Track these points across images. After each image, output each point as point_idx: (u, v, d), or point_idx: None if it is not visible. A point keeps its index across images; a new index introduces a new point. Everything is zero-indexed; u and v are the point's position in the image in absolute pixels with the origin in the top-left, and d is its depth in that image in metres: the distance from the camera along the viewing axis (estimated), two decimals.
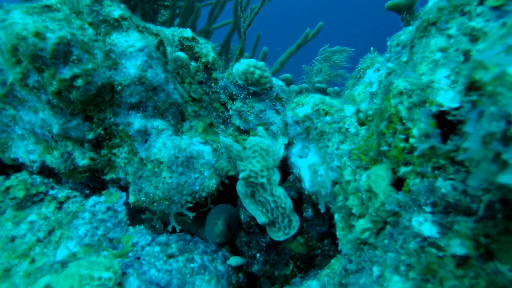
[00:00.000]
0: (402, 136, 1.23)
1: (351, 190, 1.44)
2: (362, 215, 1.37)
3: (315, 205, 2.07)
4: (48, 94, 1.63)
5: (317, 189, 1.74)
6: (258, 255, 2.04)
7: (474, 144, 0.70)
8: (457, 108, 1.09)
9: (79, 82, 1.66)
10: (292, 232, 1.85)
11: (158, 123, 1.99)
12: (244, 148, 1.84)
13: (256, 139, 1.75)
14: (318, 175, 1.76)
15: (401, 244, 1.14)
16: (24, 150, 2.11)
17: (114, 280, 1.35)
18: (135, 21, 2.01)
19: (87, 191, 2.20)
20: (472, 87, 0.77)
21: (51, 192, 2.08)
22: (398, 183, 1.26)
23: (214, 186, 1.92)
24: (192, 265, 1.80)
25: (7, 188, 1.99)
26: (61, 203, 2.04)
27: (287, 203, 1.78)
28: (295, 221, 1.83)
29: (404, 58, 1.66)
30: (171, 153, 1.92)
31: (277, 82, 3.12)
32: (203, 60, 2.78)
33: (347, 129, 1.72)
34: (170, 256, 1.79)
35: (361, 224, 1.29)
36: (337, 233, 1.58)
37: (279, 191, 1.77)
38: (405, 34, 1.92)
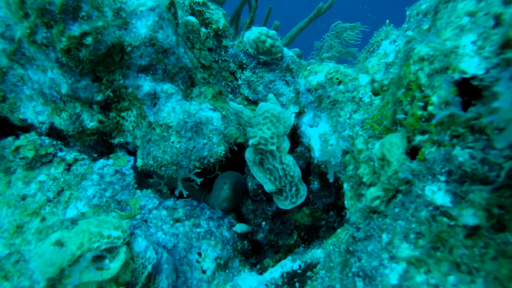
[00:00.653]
0: (421, 104, 1.19)
1: (363, 159, 1.41)
2: (373, 184, 1.36)
3: (322, 176, 2.06)
4: (57, 52, 1.60)
5: (327, 158, 1.72)
6: (263, 223, 2.05)
7: (505, 103, 0.66)
8: (482, 76, 1.04)
9: (89, 40, 1.62)
10: (299, 201, 1.84)
11: (168, 87, 1.96)
12: (255, 115, 1.81)
13: (267, 105, 1.72)
14: (329, 144, 1.73)
15: (412, 213, 1.13)
16: (32, 111, 2.10)
17: (123, 239, 1.37)
18: None
19: (95, 155, 2.20)
20: (507, 45, 0.72)
21: (59, 154, 2.08)
22: (412, 152, 1.23)
23: (223, 152, 1.91)
24: (198, 230, 1.81)
25: (17, 148, 2.00)
26: (69, 165, 2.05)
27: (296, 171, 1.76)
28: (303, 190, 1.82)
29: (426, 26, 1.59)
30: (180, 117, 1.89)
31: (288, 52, 3.03)
32: (214, 26, 2.70)
33: (360, 98, 1.68)
34: (177, 220, 1.80)
35: (372, 192, 1.27)
36: (346, 202, 1.58)
37: (289, 159, 1.75)
38: (426, 3, 1.83)
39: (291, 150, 2.07)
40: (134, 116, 1.96)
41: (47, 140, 2.08)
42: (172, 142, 1.86)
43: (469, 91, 1.10)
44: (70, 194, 1.84)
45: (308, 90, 1.84)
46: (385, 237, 1.16)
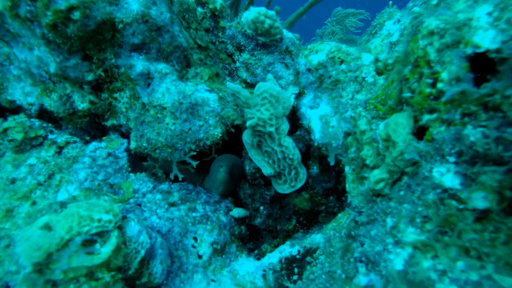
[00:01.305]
0: (429, 81, 1.12)
1: (366, 140, 1.35)
2: (377, 166, 1.29)
3: (322, 160, 2.00)
4: (43, 27, 1.50)
5: (328, 141, 1.66)
6: (261, 208, 2.00)
7: None
8: (498, 50, 0.97)
9: (77, 15, 1.52)
10: (299, 185, 1.79)
11: (162, 66, 1.88)
12: (253, 96, 1.74)
13: (266, 84, 1.64)
14: (330, 126, 1.66)
15: (418, 196, 1.07)
16: (21, 92, 2.01)
17: (114, 223, 1.31)
18: None
19: (88, 137, 2.13)
20: None
21: (50, 136, 2.00)
22: (419, 132, 1.17)
23: (219, 134, 1.84)
24: (194, 214, 1.76)
25: (5, 130, 1.92)
26: (60, 148, 1.98)
27: (295, 154, 1.70)
28: (302, 173, 1.76)
29: (434, 1, 1.50)
30: (175, 98, 1.82)
31: (287, 34, 2.93)
32: (211, 6, 2.59)
33: (363, 78, 1.60)
34: (172, 204, 1.75)
35: (376, 174, 1.21)
36: (347, 186, 1.52)
37: (288, 141, 1.68)
38: None
39: (290, 133, 2.01)
40: (127, 97, 1.88)
41: (37, 122, 2.00)
42: (167, 124, 1.79)
43: (482, 66, 1.03)
44: (61, 178, 1.77)
45: (309, 70, 1.76)
46: (389, 221, 1.10)
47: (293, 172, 1.75)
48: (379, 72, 1.60)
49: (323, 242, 1.61)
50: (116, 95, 1.89)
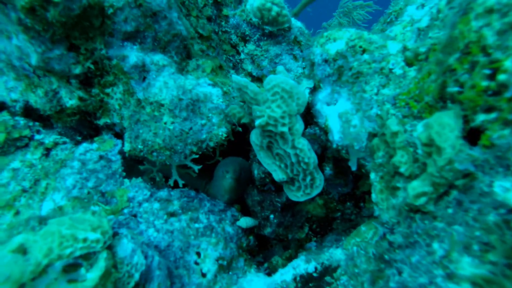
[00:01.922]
0: (486, 72, 0.90)
1: (400, 143, 1.13)
2: (413, 176, 1.08)
3: (337, 161, 1.79)
4: (18, 11, 1.29)
5: (349, 142, 1.44)
6: (271, 216, 1.80)
7: None
8: None
9: None
10: (315, 192, 1.58)
11: (159, 58, 1.66)
12: (262, 91, 1.52)
13: (277, 78, 1.42)
14: (351, 125, 1.45)
15: (474, 216, 0.85)
16: (4, 87, 1.81)
17: (103, 243, 1.11)
18: None
19: (79, 137, 1.93)
20: None
21: (37, 136, 1.81)
22: (471, 136, 0.95)
23: (224, 134, 1.63)
24: (196, 225, 1.56)
25: None
26: (48, 150, 1.78)
27: (312, 157, 1.49)
28: (319, 179, 1.55)
29: None
30: (173, 94, 1.60)
31: (296, 23, 2.70)
32: None
33: (391, 69, 1.38)
34: (172, 214, 1.55)
35: (415, 187, 1.00)
36: (373, 196, 1.31)
37: (303, 143, 1.47)
38: None
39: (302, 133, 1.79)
40: (121, 93, 1.68)
41: (21, 121, 1.80)
42: (165, 123, 1.58)
43: None
44: (47, 184, 1.57)
45: (325, 61, 1.54)
46: (437, 247, 0.89)
47: (308, 178, 1.54)
48: (408, 63, 1.37)
49: (344, 260, 1.40)
50: (108, 90, 1.68)
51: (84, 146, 1.69)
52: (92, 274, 1.08)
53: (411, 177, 1.09)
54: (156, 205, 1.54)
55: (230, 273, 1.54)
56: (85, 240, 1.08)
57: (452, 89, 0.99)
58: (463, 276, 0.81)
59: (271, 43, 2.71)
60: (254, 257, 1.78)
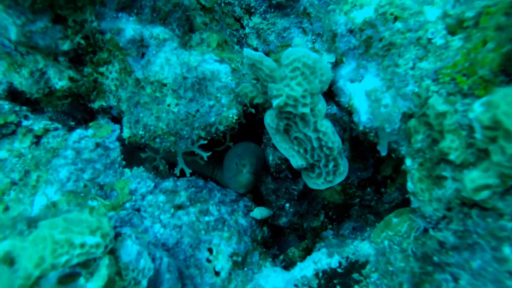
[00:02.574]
0: None
1: (449, 126, 0.96)
2: (466, 164, 0.92)
3: (356, 144, 1.63)
4: None
5: (380, 124, 1.27)
6: (287, 205, 1.65)
7: None
8: None
9: None
10: (338, 180, 1.42)
11: (159, 30, 1.46)
12: (279, 65, 1.33)
13: (297, 51, 1.24)
14: (382, 105, 1.27)
15: None
16: None
17: (104, 247, 0.95)
18: None
19: (72, 123, 1.74)
20: None
21: (24, 122, 1.62)
22: None
23: (235, 117, 1.45)
24: (207, 218, 1.40)
25: None
26: (38, 137, 1.60)
27: (336, 141, 1.32)
28: (343, 166, 1.39)
29: None
30: (177, 72, 1.41)
31: None
32: None
33: (429, 39, 1.19)
34: (179, 207, 1.39)
35: (475, 178, 0.84)
36: (410, 185, 1.15)
37: (326, 125, 1.30)
38: None
39: None
40: (117, 72, 1.48)
41: (6, 106, 1.61)
42: (168, 105, 1.40)
43: None
44: (38, 177, 1.41)
45: (351, 31, 1.35)
46: (507, 252, 0.74)
47: (331, 164, 1.37)
48: (451, 31, 1.18)
49: (374, 255, 1.26)
50: (102, 69, 1.49)
51: (78, 132, 1.52)
52: (92, 284, 0.92)
53: (463, 166, 0.93)
54: (162, 197, 1.38)
55: (245, 269, 1.40)
56: (82, 245, 0.93)
57: None
58: None
59: (279, 16, 2.49)
60: (269, 249, 1.64)
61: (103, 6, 1.38)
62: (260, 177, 1.61)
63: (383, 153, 1.33)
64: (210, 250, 1.34)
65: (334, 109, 1.54)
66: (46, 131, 1.61)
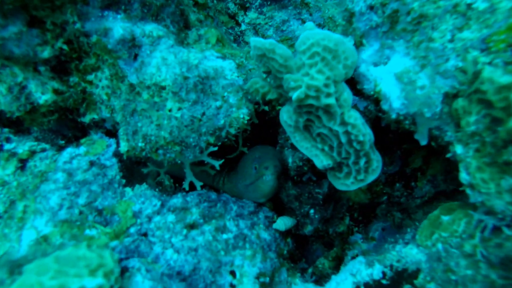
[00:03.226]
0: None
1: None
2: None
3: (378, 135, 1.45)
4: None
5: (417, 109, 1.10)
6: (312, 211, 1.46)
7: None
8: None
9: None
10: (371, 178, 1.24)
11: (152, 27, 1.28)
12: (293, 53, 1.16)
13: (316, 33, 1.06)
14: (417, 86, 1.10)
15: None
16: None
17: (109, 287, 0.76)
18: None
19: (62, 142, 1.55)
20: None
21: (7, 146, 1.43)
22: None
23: (246, 117, 1.27)
24: (225, 236, 1.21)
25: None
26: (23, 161, 1.40)
27: (367, 134, 1.14)
28: (376, 161, 1.21)
29: None
30: (176, 72, 1.23)
31: None
32: None
33: (469, 5, 1.03)
34: (192, 226, 1.20)
35: None
36: (464, 175, 0.97)
37: (355, 117, 1.12)
38: None
39: None
40: (107, 79, 1.30)
41: None
42: (170, 110, 1.22)
43: None
44: (25, 207, 1.21)
45: (371, 8, 1.18)
46: None
47: (362, 161, 1.19)
48: None
49: (426, 261, 1.08)
50: (90, 77, 1.31)
51: (69, 151, 1.33)
52: None
53: None
54: (171, 217, 1.19)
55: None
56: None
57: None
58: None
59: (276, 8, 2.34)
60: (296, 263, 1.46)
61: (85, 4, 1.20)
62: (279, 183, 1.43)
63: (423, 142, 1.15)
64: (232, 273, 1.15)
65: (356, 98, 1.36)
66: (32, 153, 1.41)
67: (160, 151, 1.24)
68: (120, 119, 1.29)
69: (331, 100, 1.10)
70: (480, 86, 0.90)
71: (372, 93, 1.25)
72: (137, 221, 1.15)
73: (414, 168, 1.61)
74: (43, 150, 1.44)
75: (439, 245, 1.05)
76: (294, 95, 1.10)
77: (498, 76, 0.85)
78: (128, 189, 1.25)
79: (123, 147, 1.24)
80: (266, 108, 1.32)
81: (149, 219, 1.17)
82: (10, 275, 0.75)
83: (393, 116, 1.17)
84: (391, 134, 1.43)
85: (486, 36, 0.96)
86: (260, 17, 2.37)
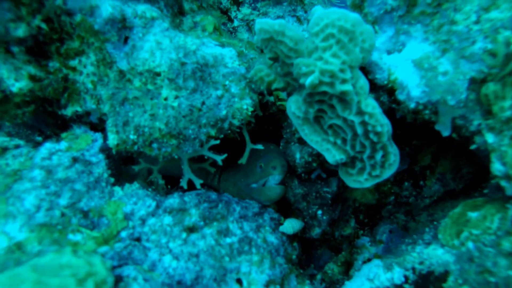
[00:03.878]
0: None
1: None
2: None
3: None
4: None
5: (439, 97, 1.01)
6: (319, 212, 1.35)
7: None
8: None
9: None
10: (387, 174, 1.14)
11: (145, 8, 1.15)
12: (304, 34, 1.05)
13: (332, 12, 0.96)
14: (439, 73, 1.02)
15: None
16: None
17: None
18: None
19: (39, 138, 1.38)
20: None
21: None
22: None
23: (250, 108, 1.15)
24: (228, 240, 1.08)
25: None
26: None
27: (385, 124, 1.05)
28: (394, 155, 1.12)
29: None
30: (172, 57, 1.10)
31: None
32: None
33: None
34: (191, 229, 1.06)
35: None
36: (498, 166, 0.89)
37: (372, 105, 1.03)
38: None
39: None
40: (93, 65, 1.16)
41: None
42: (165, 99, 1.08)
43: None
44: None
45: None
46: None
47: (379, 154, 1.10)
48: None
49: (455, 262, 0.98)
50: (73, 62, 1.16)
51: (48, 147, 1.17)
52: None
53: None
54: (167, 219, 1.05)
55: None
56: None
57: None
58: None
59: (271, 4, 2.27)
60: (304, 269, 1.33)
61: None
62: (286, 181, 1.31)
63: (445, 133, 1.07)
64: (239, 282, 1.02)
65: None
66: (4, 150, 1.24)
67: (155, 145, 1.10)
68: (108, 110, 1.14)
69: (348, 87, 0.99)
70: (505, 69, 0.82)
71: (385, 82, 1.16)
72: (129, 223, 1.00)
73: (422, 166, 1.53)
74: (17, 146, 1.27)
75: (470, 244, 0.95)
76: (308, 81, 0.99)
77: None
78: (117, 188, 1.10)
79: (112, 140, 1.09)
80: (271, 98, 1.20)
81: (143, 221, 1.02)
82: None
83: (412, 105, 1.08)
84: (399, 131, 1.35)
85: None
86: (253, 13, 2.29)
